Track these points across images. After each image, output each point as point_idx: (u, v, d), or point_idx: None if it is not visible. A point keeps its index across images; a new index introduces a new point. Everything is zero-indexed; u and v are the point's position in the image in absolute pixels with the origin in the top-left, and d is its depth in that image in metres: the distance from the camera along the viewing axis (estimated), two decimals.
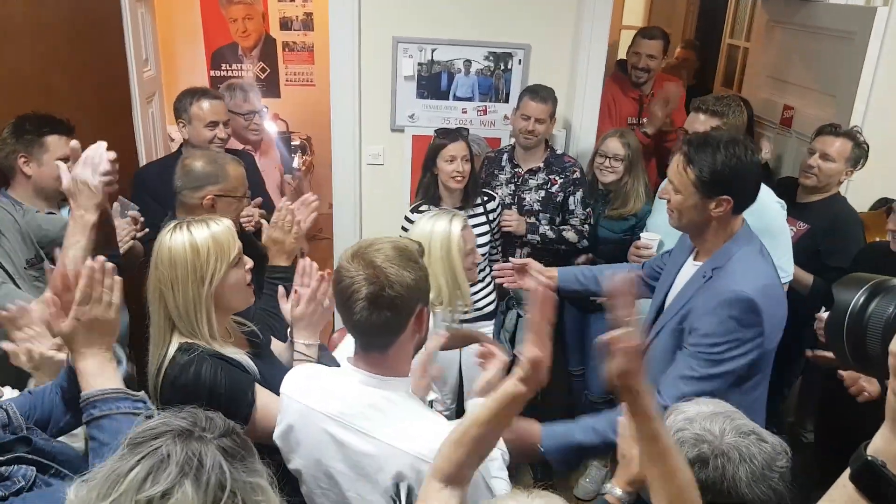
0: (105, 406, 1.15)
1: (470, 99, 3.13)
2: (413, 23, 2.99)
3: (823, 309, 2.10)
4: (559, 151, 2.97)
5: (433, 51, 3.03)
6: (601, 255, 2.87)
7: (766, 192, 2.35)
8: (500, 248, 2.85)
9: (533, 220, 2.83)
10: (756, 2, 4.13)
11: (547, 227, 2.81)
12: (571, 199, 2.84)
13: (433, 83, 3.09)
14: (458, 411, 1.97)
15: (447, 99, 3.12)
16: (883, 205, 3.00)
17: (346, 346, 1.65)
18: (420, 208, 2.66)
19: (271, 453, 1.47)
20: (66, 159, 1.78)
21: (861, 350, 0.80)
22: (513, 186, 2.87)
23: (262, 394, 1.55)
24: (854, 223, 2.62)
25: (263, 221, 2.14)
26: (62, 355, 1.51)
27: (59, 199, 2.27)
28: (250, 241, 2.14)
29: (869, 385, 1.81)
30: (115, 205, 2.26)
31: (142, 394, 1.21)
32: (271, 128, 3.45)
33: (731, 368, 1.69)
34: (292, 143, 4.52)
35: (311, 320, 1.66)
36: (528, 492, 1.01)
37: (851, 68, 2.88)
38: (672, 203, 1.81)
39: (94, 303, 1.21)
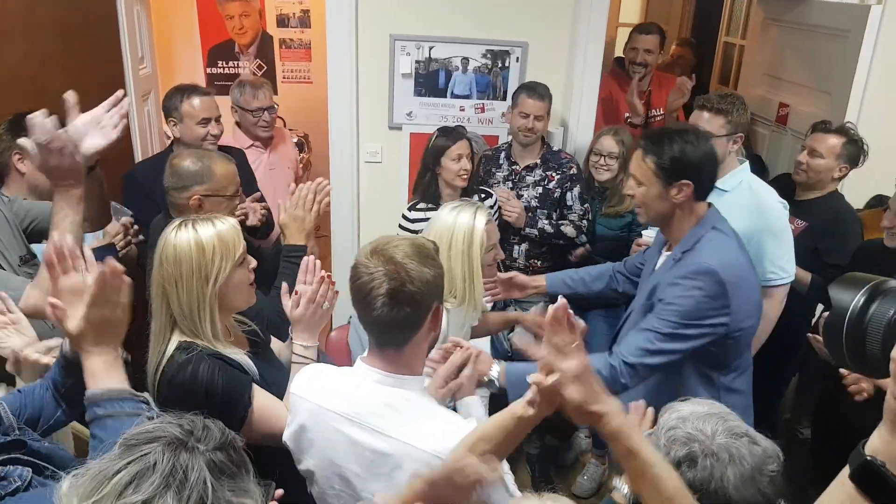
0: (109, 406, 1.15)
1: (468, 97, 3.13)
2: (410, 20, 2.99)
3: (822, 309, 2.12)
4: (555, 148, 2.99)
5: (430, 48, 3.03)
6: (598, 253, 2.89)
7: (767, 192, 2.37)
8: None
9: (531, 214, 2.84)
10: (752, 0, 4.15)
11: (546, 222, 2.82)
12: (569, 194, 2.85)
13: (431, 81, 3.09)
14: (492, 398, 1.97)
15: (445, 97, 3.12)
16: (878, 202, 3.02)
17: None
18: (417, 206, 2.67)
19: (273, 455, 1.48)
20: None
21: (859, 351, 0.81)
22: (510, 183, 2.88)
23: (259, 395, 1.55)
24: (852, 221, 2.63)
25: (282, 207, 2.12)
26: (47, 359, 1.50)
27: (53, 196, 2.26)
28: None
29: (868, 385, 1.82)
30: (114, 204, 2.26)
31: (145, 395, 1.22)
32: None
33: (693, 334, 1.75)
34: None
35: (311, 322, 1.66)
36: (538, 495, 1.00)
37: (846, 66, 2.90)
38: (637, 197, 1.87)
39: (104, 304, 1.20)
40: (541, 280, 2.32)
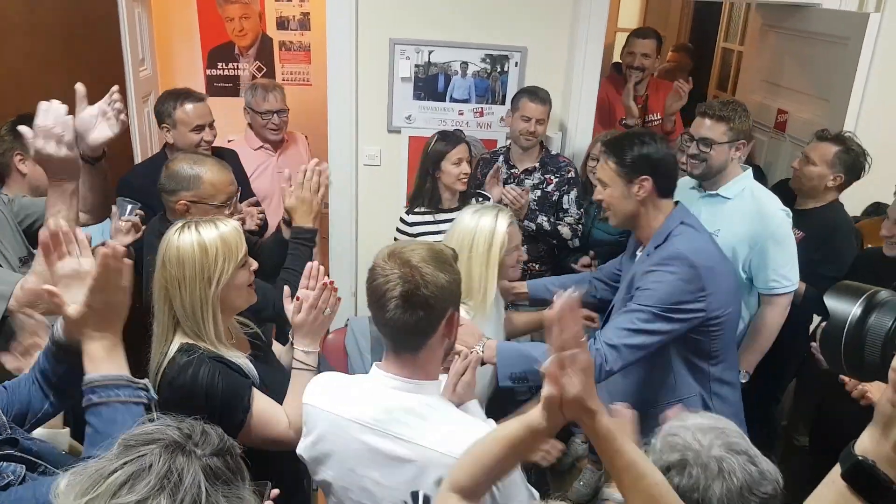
0: (104, 393, 1.14)
1: (466, 101, 3.14)
2: (410, 24, 2.99)
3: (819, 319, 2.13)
4: (554, 152, 2.99)
5: (430, 52, 3.04)
6: (597, 257, 2.89)
7: (770, 199, 2.37)
8: None
9: (530, 211, 2.85)
10: (750, 6, 4.16)
11: (544, 219, 2.83)
12: (565, 198, 2.86)
13: (430, 85, 3.09)
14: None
15: (444, 101, 3.13)
16: (875, 209, 3.03)
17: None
18: (415, 210, 2.68)
19: (265, 455, 1.48)
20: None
21: (857, 359, 0.85)
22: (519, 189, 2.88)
23: (259, 399, 1.55)
24: (847, 233, 2.61)
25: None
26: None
27: None
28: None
29: (872, 388, 1.82)
30: (113, 207, 2.26)
31: (144, 381, 1.21)
32: None
33: (673, 317, 1.81)
34: None
35: (312, 327, 1.65)
36: (542, 502, 1.00)
37: (845, 73, 2.91)
38: (605, 200, 1.98)
39: (107, 289, 1.19)
40: (523, 286, 2.32)
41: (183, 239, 1.51)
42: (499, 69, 3.09)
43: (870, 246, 2.68)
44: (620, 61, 3.63)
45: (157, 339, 1.55)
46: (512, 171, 2.90)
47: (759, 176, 2.56)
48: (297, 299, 1.65)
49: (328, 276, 1.71)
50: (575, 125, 3.15)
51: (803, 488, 1.21)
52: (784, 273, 2.33)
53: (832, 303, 0.89)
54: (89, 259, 1.26)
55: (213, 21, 4.72)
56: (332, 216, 3.27)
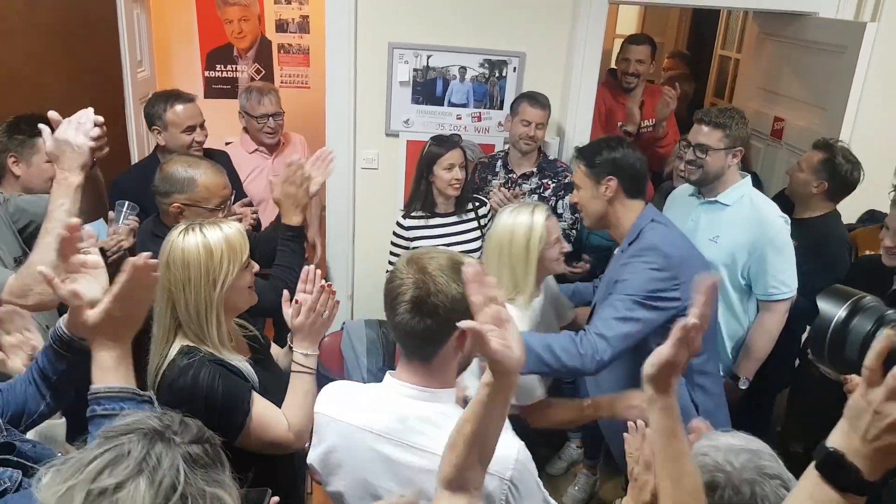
0: (109, 405, 1.14)
1: (465, 105, 3.14)
2: (409, 29, 3.00)
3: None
4: (551, 157, 3.00)
5: (429, 57, 3.05)
6: (590, 262, 2.89)
7: (769, 206, 2.38)
8: None
9: None
10: (747, 14, 4.18)
11: None
12: (560, 203, 2.87)
13: (428, 89, 3.10)
14: None
15: (442, 105, 3.13)
16: (870, 217, 3.04)
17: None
18: (412, 214, 2.68)
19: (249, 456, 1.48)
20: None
21: (839, 355, 0.98)
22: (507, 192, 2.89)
23: (258, 403, 1.55)
24: (837, 244, 2.61)
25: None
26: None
27: None
28: None
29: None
30: (110, 213, 2.26)
31: (149, 394, 1.20)
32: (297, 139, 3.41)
33: (654, 305, 1.88)
34: None
35: (311, 330, 1.65)
36: None
37: (841, 82, 2.92)
38: (578, 202, 2.12)
39: (129, 301, 1.18)
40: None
41: (188, 241, 1.51)
42: (497, 74, 3.09)
43: (868, 252, 2.68)
44: (616, 67, 3.65)
45: (157, 340, 1.55)
46: (510, 175, 2.91)
47: (756, 183, 2.57)
48: (296, 302, 1.65)
49: (325, 279, 1.71)
50: (573, 130, 3.16)
51: None
52: (783, 279, 2.34)
53: (823, 303, 1.01)
54: (96, 255, 1.27)
55: (212, 23, 4.73)
56: (329, 219, 3.27)
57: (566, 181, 2.87)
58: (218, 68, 4.83)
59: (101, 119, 1.67)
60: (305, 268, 1.71)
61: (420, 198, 2.65)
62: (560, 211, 2.87)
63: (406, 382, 1.34)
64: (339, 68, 3.02)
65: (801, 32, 3.20)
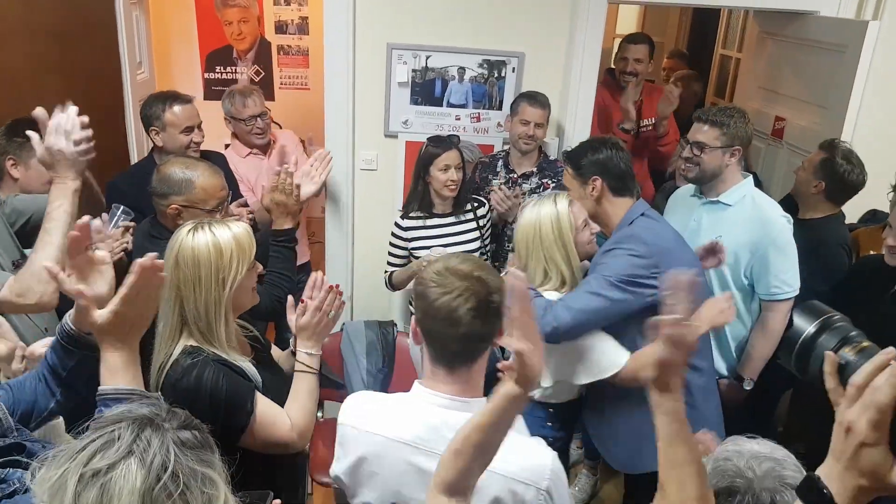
0: (116, 407, 1.12)
1: (464, 106, 3.13)
2: (407, 29, 2.99)
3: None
4: (551, 157, 2.99)
5: (427, 57, 3.04)
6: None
7: (771, 205, 2.39)
8: (489, 253, 2.86)
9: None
10: (748, 13, 4.16)
11: None
12: None
13: (427, 90, 3.09)
14: None
15: (441, 105, 3.12)
16: (872, 216, 3.02)
17: None
18: (410, 214, 2.67)
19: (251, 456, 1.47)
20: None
21: (804, 366, 1.07)
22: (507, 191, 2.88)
23: (262, 403, 1.55)
24: (834, 247, 2.60)
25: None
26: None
27: None
28: None
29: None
30: (104, 215, 2.25)
31: (157, 395, 1.21)
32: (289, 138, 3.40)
33: (629, 289, 1.92)
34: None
35: (316, 330, 1.66)
36: None
37: (842, 81, 2.90)
38: None
39: (139, 302, 1.20)
40: None
41: (198, 239, 1.52)
42: (496, 74, 3.08)
43: (872, 252, 2.67)
44: (614, 67, 3.65)
45: (163, 339, 1.55)
46: (510, 175, 2.91)
47: (756, 183, 2.57)
48: (302, 302, 1.66)
49: (338, 283, 1.73)
50: (572, 130, 3.15)
51: None
52: (785, 279, 2.33)
53: (797, 317, 1.10)
54: (103, 251, 1.28)
55: (212, 25, 4.73)
56: (328, 220, 3.27)
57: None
58: (217, 70, 4.83)
59: (86, 119, 1.66)
60: (313, 275, 1.72)
61: (417, 198, 2.65)
62: None
63: (439, 392, 1.33)
64: (338, 69, 3.01)
65: (802, 31, 3.19)
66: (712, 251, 2.27)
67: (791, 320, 1.11)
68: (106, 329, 1.18)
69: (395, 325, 3.05)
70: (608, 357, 1.96)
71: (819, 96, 3.10)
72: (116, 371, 1.18)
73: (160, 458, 0.87)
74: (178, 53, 4.69)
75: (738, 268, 2.35)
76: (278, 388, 1.65)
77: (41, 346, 1.53)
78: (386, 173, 3.19)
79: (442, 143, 2.59)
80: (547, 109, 2.81)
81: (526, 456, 1.28)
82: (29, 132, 1.68)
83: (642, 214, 2.08)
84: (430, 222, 2.67)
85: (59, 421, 1.46)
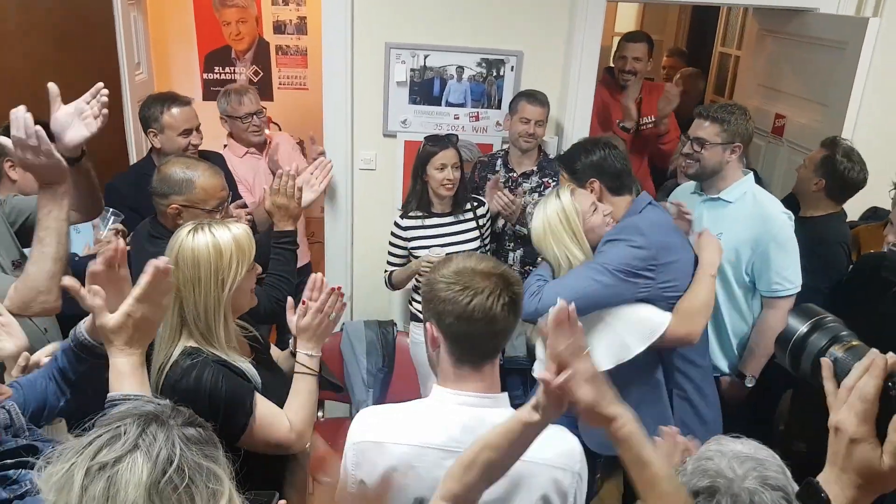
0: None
1: (462, 105, 3.13)
2: (405, 29, 2.98)
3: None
4: (551, 156, 2.99)
5: (426, 57, 3.03)
6: None
7: (772, 202, 2.38)
8: (489, 253, 2.85)
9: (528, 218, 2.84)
10: (747, 11, 4.16)
11: None
12: None
13: (425, 89, 3.08)
14: None
15: (439, 105, 3.11)
16: (873, 214, 3.02)
17: None
18: (409, 214, 2.67)
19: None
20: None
21: (795, 364, 1.11)
22: (507, 190, 2.88)
23: (261, 404, 1.55)
24: (833, 245, 2.59)
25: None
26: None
27: None
28: None
29: None
30: (97, 220, 2.25)
31: (166, 402, 1.21)
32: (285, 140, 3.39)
33: (623, 279, 1.92)
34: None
35: (317, 332, 1.65)
36: None
37: (843, 78, 2.89)
38: None
39: (149, 303, 1.21)
40: None
41: (198, 240, 1.52)
42: (495, 73, 3.08)
43: (872, 251, 2.66)
44: (613, 65, 3.64)
45: (162, 339, 1.55)
46: (510, 174, 2.90)
47: (757, 180, 2.56)
48: (303, 304, 1.65)
49: (340, 286, 1.72)
50: (571, 129, 3.14)
51: None
52: (786, 275, 2.33)
53: (791, 317, 1.14)
54: (125, 270, 1.30)
55: (210, 25, 4.72)
56: (327, 220, 3.26)
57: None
58: (216, 70, 4.82)
59: (100, 86, 1.61)
60: (312, 276, 1.71)
61: (416, 197, 2.64)
62: None
63: (467, 392, 1.33)
64: (336, 69, 3.01)
65: (802, 28, 3.18)
66: (680, 216, 2.30)
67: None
68: (115, 331, 1.20)
69: (395, 324, 3.05)
70: (656, 318, 1.97)
71: (819, 93, 3.10)
72: (124, 376, 1.20)
73: (166, 451, 0.88)
74: (176, 54, 4.68)
75: (740, 265, 2.35)
76: (278, 389, 1.65)
77: (44, 356, 1.53)
78: (385, 173, 3.18)
79: (439, 141, 2.58)
80: (546, 107, 2.81)
81: (558, 442, 1.30)
82: (1, 138, 1.58)
83: (649, 203, 2.09)
84: (429, 222, 2.66)
85: (62, 423, 1.47)
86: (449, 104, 3.11)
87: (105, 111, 1.66)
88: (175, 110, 2.53)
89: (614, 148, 2.15)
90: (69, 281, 1.26)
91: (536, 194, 2.86)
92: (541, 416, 1.05)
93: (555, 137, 3.16)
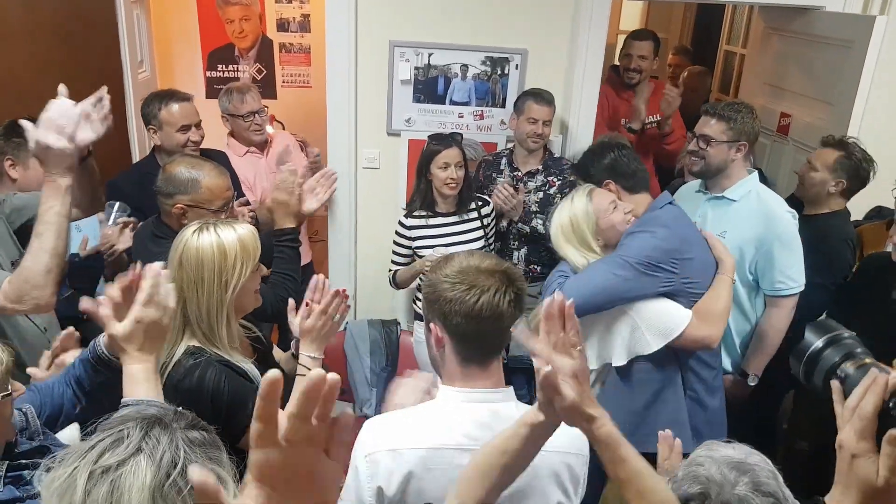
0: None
1: (466, 103, 3.12)
2: (409, 27, 2.98)
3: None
4: (556, 155, 2.98)
5: (430, 55, 3.02)
6: None
7: (776, 201, 2.38)
8: (493, 252, 2.84)
9: (526, 211, 2.84)
10: (753, 9, 4.14)
11: (539, 223, 2.82)
12: (560, 198, 2.84)
13: (430, 87, 3.08)
14: None
15: (444, 103, 3.10)
16: (877, 213, 3.00)
17: None
18: (414, 213, 2.66)
19: None
20: None
21: (809, 378, 1.13)
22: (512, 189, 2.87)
23: None
24: (838, 242, 2.58)
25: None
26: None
27: None
28: None
29: None
30: (100, 214, 2.25)
31: (189, 413, 1.22)
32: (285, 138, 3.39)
33: (644, 272, 1.92)
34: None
35: (320, 334, 1.64)
36: None
37: (849, 77, 2.88)
38: None
39: (155, 306, 1.22)
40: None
41: (202, 240, 1.51)
42: (499, 72, 3.07)
43: (874, 251, 2.65)
44: (618, 63, 3.63)
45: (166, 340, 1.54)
46: (515, 173, 2.89)
47: (762, 179, 2.55)
48: (307, 305, 1.64)
49: (327, 278, 1.71)
50: (576, 127, 3.13)
51: (804, 493, 1.19)
52: (790, 274, 2.32)
53: (808, 331, 1.15)
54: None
55: (214, 23, 4.72)
56: (330, 219, 3.26)
57: (571, 178, 2.84)
58: (219, 68, 4.82)
59: (103, 93, 1.63)
60: (315, 277, 1.71)
61: (420, 196, 2.63)
62: None
63: (476, 389, 1.33)
64: (340, 67, 3.00)
65: (808, 27, 3.16)
66: None
67: (803, 333, 1.16)
68: (126, 338, 1.21)
69: (399, 323, 3.05)
70: (676, 315, 1.96)
71: (825, 92, 3.08)
72: (138, 382, 1.20)
73: (170, 454, 0.88)
74: (179, 52, 4.68)
75: (743, 263, 2.34)
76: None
77: (41, 373, 1.54)
78: (388, 172, 3.18)
79: (443, 140, 2.57)
80: (553, 106, 2.80)
81: (565, 428, 1.30)
82: (23, 122, 1.63)
83: (669, 203, 2.10)
84: (433, 221, 2.65)
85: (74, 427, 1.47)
86: (453, 103, 3.11)
87: (110, 116, 1.66)
88: (172, 107, 2.53)
89: (624, 148, 2.16)
90: (87, 304, 1.27)
91: (541, 193, 2.85)
92: (545, 415, 1.03)
93: (559, 136, 3.15)
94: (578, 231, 2.06)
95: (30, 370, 1.57)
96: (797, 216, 2.37)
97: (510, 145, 3.00)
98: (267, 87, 4.87)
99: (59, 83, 1.60)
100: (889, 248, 2.33)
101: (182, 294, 1.51)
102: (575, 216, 2.06)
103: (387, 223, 2.84)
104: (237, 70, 4.83)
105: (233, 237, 1.53)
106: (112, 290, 1.25)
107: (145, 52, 3.37)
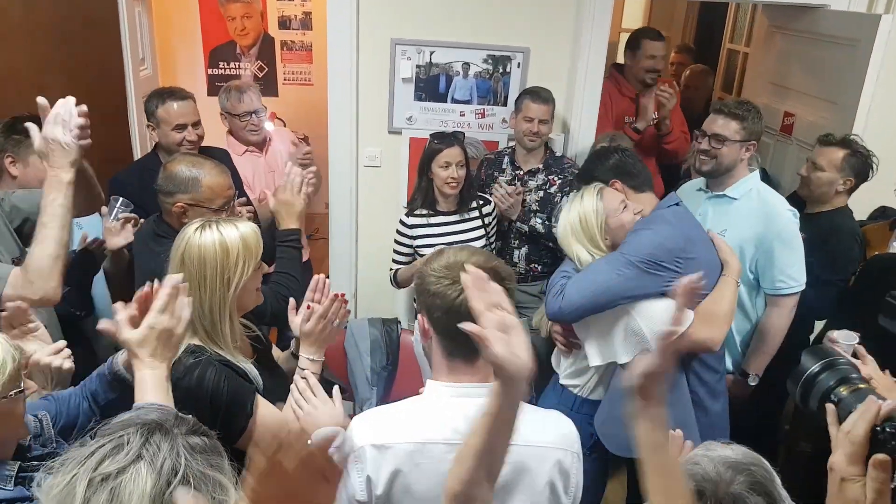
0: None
1: (468, 102, 3.11)
2: (411, 25, 2.96)
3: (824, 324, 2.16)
4: (558, 154, 2.97)
5: (431, 53, 3.01)
6: None
7: (777, 199, 2.37)
8: (494, 251, 2.83)
9: (525, 210, 2.83)
10: (756, 7, 4.12)
11: (539, 222, 2.81)
12: (564, 199, 2.83)
13: (431, 85, 3.07)
14: None
15: (445, 101, 3.09)
16: (882, 213, 2.99)
17: None
18: (415, 212, 2.65)
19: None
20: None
21: (805, 401, 1.17)
22: (513, 188, 2.86)
23: (262, 406, 1.54)
24: (846, 237, 2.57)
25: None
26: (69, 364, 1.52)
27: None
28: None
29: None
30: (103, 208, 2.25)
31: (190, 418, 1.21)
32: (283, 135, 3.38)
33: (646, 269, 1.90)
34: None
35: (321, 337, 1.64)
36: None
37: (854, 76, 2.86)
38: None
39: (170, 315, 1.23)
40: None
41: (205, 238, 1.51)
42: (501, 70, 3.06)
43: (877, 252, 2.64)
44: (622, 62, 3.61)
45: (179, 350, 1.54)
46: (517, 172, 2.88)
47: (765, 178, 2.54)
48: (308, 307, 1.64)
49: (328, 277, 1.71)
50: (578, 126, 3.12)
51: (805, 494, 1.19)
52: (790, 273, 2.31)
53: (805, 356, 1.19)
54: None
55: (215, 20, 4.72)
56: (332, 217, 3.25)
57: (573, 177, 2.83)
58: (221, 66, 4.82)
59: (83, 108, 1.69)
60: (315, 277, 1.70)
61: (422, 195, 2.63)
62: (562, 206, 2.83)
63: (463, 383, 1.32)
64: (341, 65, 2.99)
65: (812, 25, 3.14)
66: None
67: (803, 333, 1.20)
68: (140, 344, 1.22)
69: (399, 322, 3.04)
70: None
71: (829, 91, 3.06)
72: (148, 389, 1.21)
73: (170, 462, 0.86)
74: (181, 49, 4.68)
75: (744, 262, 2.33)
76: (278, 390, 1.64)
77: (46, 357, 1.54)
78: (390, 170, 3.17)
79: (445, 139, 2.56)
80: (551, 105, 2.77)
81: (557, 425, 1.34)
82: (28, 124, 1.71)
83: (677, 203, 2.10)
84: (434, 220, 2.65)
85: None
86: (455, 101, 3.10)
87: (86, 138, 1.71)
88: (169, 105, 2.53)
89: (625, 149, 2.20)
90: (104, 325, 1.28)
91: (542, 192, 2.84)
92: (501, 382, 0.99)
93: (561, 135, 3.14)
94: (588, 229, 2.06)
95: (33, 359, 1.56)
96: (798, 215, 2.37)
97: (512, 144, 2.99)
98: (268, 85, 4.87)
99: (61, 81, 1.63)
100: (893, 249, 2.33)
101: None
102: (585, 214, 2.06)
103: (387, 222, 2.83)
104: (238, 67, 4.83)
105: (235, 235, 1.52)
106: (131, 310, 1.26)
107: (147, 50, 3.37)
